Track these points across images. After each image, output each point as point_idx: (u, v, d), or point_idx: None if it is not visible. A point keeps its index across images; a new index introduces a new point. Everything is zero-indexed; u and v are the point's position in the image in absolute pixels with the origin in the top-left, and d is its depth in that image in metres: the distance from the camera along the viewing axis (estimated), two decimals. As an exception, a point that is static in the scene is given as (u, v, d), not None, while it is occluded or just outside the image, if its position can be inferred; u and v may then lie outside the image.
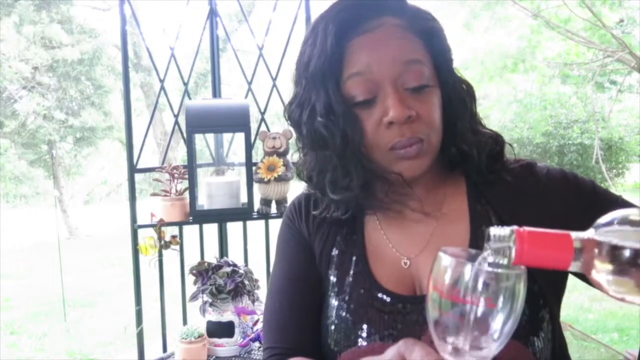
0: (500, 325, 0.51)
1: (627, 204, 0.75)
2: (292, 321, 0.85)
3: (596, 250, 0.50)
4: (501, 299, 0.51)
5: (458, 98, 0.80)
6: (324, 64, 0.75)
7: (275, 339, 0.85)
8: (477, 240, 0.78)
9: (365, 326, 0.78)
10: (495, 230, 0.52)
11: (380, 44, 0.75)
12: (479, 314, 0.51)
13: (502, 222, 0.78)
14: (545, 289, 0.77)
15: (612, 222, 0.52)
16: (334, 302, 0.82)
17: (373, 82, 0.74)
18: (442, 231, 0.81)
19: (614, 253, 0.50)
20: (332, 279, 0.84)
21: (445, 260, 0.53)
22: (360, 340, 0.78)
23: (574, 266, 0.51)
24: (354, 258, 0.83)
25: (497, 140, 0.84)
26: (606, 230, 0.51)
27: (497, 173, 0.82)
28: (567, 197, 0.79)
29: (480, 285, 0.51)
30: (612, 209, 0.68)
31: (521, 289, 0.52)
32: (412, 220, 0.83)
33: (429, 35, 0.77)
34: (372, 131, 0.75)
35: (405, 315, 0.78)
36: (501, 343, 0.52)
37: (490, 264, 0.53)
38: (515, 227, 0.51)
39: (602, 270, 0.50)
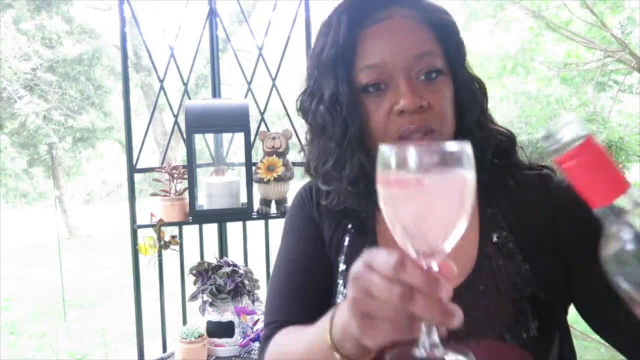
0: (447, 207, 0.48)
1: None
2: (294, 297, 0.84)
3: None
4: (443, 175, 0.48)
5: (469, 91, 0.79)
6: (336, 52, 0.76)
7: (274, 312, 0.84)
8: (486, 243, 0.78)
9: None
10: (562, 129, 0.48)
11: (392, 35, 0.75)
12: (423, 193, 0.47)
13: (510, 228, 0.78)
14: (551, 297, 0.76)
15: None
16: (342, 290, 0.82)
17: (386, 73, 0.74)
18: None
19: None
20: (342, 266, 0.83)
21: (385, 151, 0.50)
22: None
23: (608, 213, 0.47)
24: (365, 248, 0.82)
25: (508, 138, 0.83)
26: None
27: (508, 174, 0.81)
28: (573, 220, 0.75)
29: (416, 165, 0.47)
30: None
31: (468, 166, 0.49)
32: None
33: (441, 28, 0.78)
34: (381, 120, 0.75)
35: None
36: (451, 235, 0.50)
37: None
38: (588, 134, 0.48)
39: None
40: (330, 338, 0.61)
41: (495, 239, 0.78)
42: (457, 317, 0.49)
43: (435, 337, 0.51)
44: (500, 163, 0.82)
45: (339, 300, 0.82)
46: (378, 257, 0.50)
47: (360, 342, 0.54)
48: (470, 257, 0.77)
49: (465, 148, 0.49)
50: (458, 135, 0.78)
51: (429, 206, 0.48)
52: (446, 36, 0.78)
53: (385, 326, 0.51)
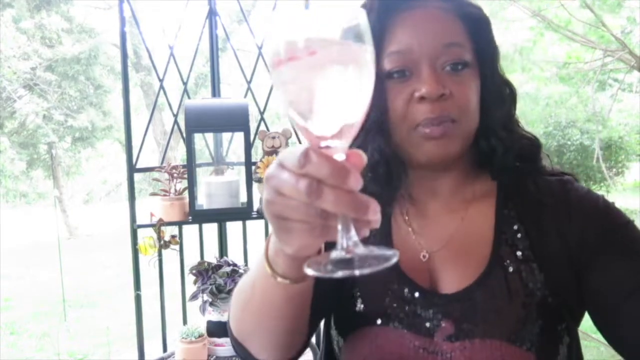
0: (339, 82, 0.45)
1: None
2: None
3: None
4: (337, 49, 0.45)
5: (496, 91, 0.78)
6: None
7: None
8: (500, 245, 0.77)
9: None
10: None
11: (422, 23, 0.74)
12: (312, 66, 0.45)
13: (525, 230, 0.77)
14: (562, 302, 0.75)
15: None
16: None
17: (411, 60, 0.73)
18: (466, 231, 0.80)
19: None
20: None
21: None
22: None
23: None
24: (377, 234, 0.81)
25: (532, 143, 0.82)
26: None
27: (529, 179, 0.80)
28: (589, 225, 0.76)
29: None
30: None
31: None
32: (438, 214, 0.81)
33: (474, 23, 0.76)
34: (401, 107, 0.73)
35: (416, 305, 0.76)
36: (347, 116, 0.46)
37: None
38: None
39: None
40: (266, 257, 0.60)
41: (510, 240, 0.77)
42: (372, 210, 0.46)
43: (354, 236, 0.47)
44: (523, 167, 0.81)
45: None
46: (287, 154, 0.47)
47: (286, 253, 0.52)
48: (484, 256, 0.76)
49: (360, 18, 0.46)
50: (481, 133, 0.77)
51: (320, 77, 0.45)
52: (478, 32, 0.76)
53: (298, 227, 0.48)
